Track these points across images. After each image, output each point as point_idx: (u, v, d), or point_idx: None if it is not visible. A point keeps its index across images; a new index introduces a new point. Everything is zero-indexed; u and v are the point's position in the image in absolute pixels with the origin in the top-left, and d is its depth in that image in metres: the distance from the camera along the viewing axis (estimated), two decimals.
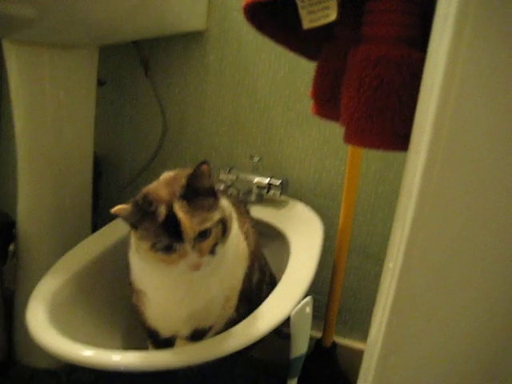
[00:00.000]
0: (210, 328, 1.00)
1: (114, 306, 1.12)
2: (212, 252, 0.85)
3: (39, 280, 1.03)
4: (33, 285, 1.01)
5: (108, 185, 1.70)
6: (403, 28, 0.68)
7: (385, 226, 1.46)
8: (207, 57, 1.50)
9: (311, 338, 1.09)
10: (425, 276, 0.53)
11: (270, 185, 1.38)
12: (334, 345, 1.47)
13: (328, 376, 1.47)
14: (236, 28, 1.45)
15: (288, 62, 1.42)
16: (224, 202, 0.90)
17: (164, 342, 1.01)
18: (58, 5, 1.03)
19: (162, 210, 0.82)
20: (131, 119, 1.64)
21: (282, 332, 1.03)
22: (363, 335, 1.57)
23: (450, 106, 0.49)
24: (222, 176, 1.39)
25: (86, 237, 1.20)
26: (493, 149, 0.49)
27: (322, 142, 1.45)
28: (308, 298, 1.04)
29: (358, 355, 1.26)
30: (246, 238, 1.03)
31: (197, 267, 0.82)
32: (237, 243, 0.98)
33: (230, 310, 1.02)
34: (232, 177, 1.39)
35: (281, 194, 1.39)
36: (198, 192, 0.84)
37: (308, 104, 1.41)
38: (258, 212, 1.31)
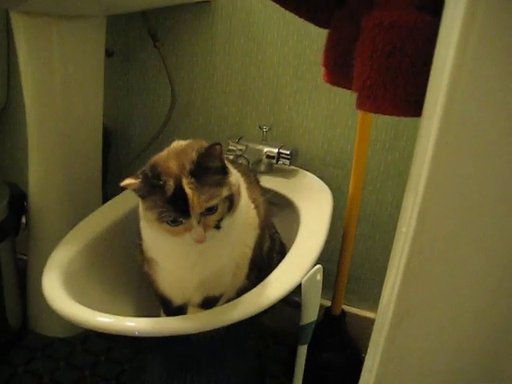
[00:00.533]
0: (221, 296, 1.02)
1: (127, 274, 1.13)
2: (217, 227, 0.85)
3: (51, 251, 1.04)
4: (45, 255, 1.03)
5: (117, 156, 1.70)
6: None
7: (394, 195, 1.46)
8: (215, 26, 1.49)
9: (320, 307, 1.10)
10: (437, 241, 0.54)
11: (279, 154, 1.38)
12: (343, 313, 1.48)
13: (337, 344, 1.49)
14: None
15: (297, 31, 1.41)
16: (233, 177, 0.89)
17: (176, 310, 1.03)
18: None
19: (171, 184, 0.82)
20: (140, 90, 1.64)
21: (291, 301, 1.05)
22: (372, 304, 1.58)
23: (465, 70, 0.49)
24: (232, 146, 1.39)
25: (96, 208, 1.21)
26: (508, 113, 0.49)
27: (332, 111, 1.44)
28: (318, 266, 1.05)
29: (367, 323, 1.27)
30: (256, 207, 1.03)
31: (201, 241, 0.83)
32: (246, 212, 0.98)
33: (240, 278, 1.03)
34: (241, 147, 1.39)
35: (290, 163, 1.39)
36: (207, 170, 0.84)
37: (317, 73, 1.40)
38: (268, 182, 1.31)
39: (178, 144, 0.92)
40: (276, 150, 1.38)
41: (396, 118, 1.34)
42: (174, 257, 0.94)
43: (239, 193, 0.91)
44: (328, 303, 1.47)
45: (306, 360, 1.16)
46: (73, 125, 1.39)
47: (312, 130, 1.48)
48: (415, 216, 0.52)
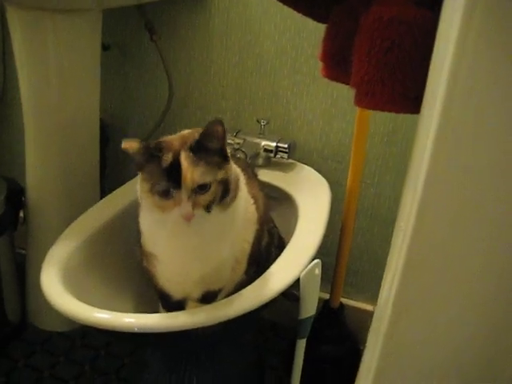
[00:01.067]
0: (220, 290, 1.02)
1: (126, 270, 1.13)
2: (207, 209, 0.85)
3: (50, 245, 1.04)
4: (44, 250, 1.03)
5: (115, 150, 1.70)
6: None
7: (392, 189, 1.46)
8: (212, 20, 1.48)
9: (319, 300, 1.10)
10: (436, 237, 0.54)
11: (277, 148, 1.38)
12: (342, 306, 1.49)
13: (335, 337, 1.49)
14: None
15: (294, 24, 1.40)
16: (233, 169, 0.90)
17: (175, 305, 1.03)
18: None
19: (169, 156, 0.83)
20: (137, 84, 1.63)
21: (290, 295, 1.05)
22: (370, 297, 1.59)
23: (465, 66, 0.48)
24: (229, 140, 1.38)
25: (94, 202, 1.21)
26: (507, 109, 0.49)
27: (330, 104, 1.44)
28: (317, 260, 1.05)
29: (365, 316, 1.28)
30: (255, 202, 1.03)
31: (188, 217, 0.82)
32: (246, 207, 0.98)
33: (239, 273, 1.03)
34: (239, 140, 1.38)
35: (288, 157, 1.39)
36: (207, 150, 0.85)
37: (315, 66, 1.40)
38: (266, 175, 1.31)
39: (185, 131, 0.92)
40: (274, 144, 1.38)
41: None
42: (173, 251, 0.94)
43: (237, 186, 0.91)
44: (327, 296, 1.47)
45: (305, 352, 1.16)
46: (69, 118, 1.38)
47: (310, 123, 1.48)
48: (414, 212, 0.52)
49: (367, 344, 0.72)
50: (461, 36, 0.48)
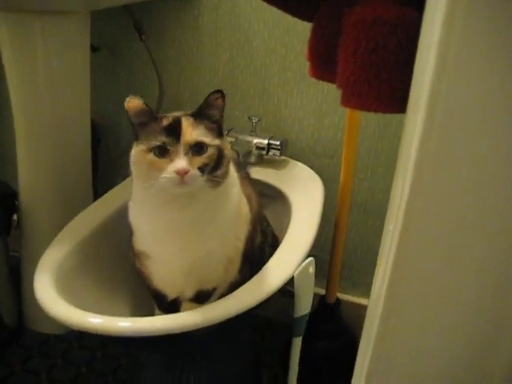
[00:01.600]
0: (214, 290, 1.02)
1: (121, 273, 1.13)
2: (201, 170, 0.85)
3: (43, 248, 1.03)
4: (37, 253, 1.02)
5: (107, 152, 1.70)
6: None
7: (385, 182, 1.46)
8: (201, 18, 1.48)
9: (315, 295, 1.11)
10: (425, 238, 0.54)
11: (269, 145, 1.38)
12: (338, 301, 1.49)
13: (332, 332, 1.50)
14: None
15: (283, 21, 1.40)
16: (228, 148, 0.92)
17: (170, 305, 1.03)
18: None
19: (169, 118, 0.87)
20: (127, 84, 1.63)
21: (286, 291, 1.05)
22: (366, 291, 1.59)
23: (449, 65, 0.48)
24: None
25: (87, 204, 1.20)
26: (493, 107, 0.49)
27: (321, 101, 1.44)
28: (310, 258, 1.05)
29: (362, 311, 1.27)
30: (249, 202, 1.04)
31: (182, 171, 0.82)
32: (239, 205, 0.99)
33: (233, 272, 1.03)
34: (231, 139, 1.38)
35: (280, 154, 1.39)
36: (207, 117, 0.88)
37: (305, 63, 1.38)
38: (258, 173, 1.31)
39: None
40: (266, 141, 1.38)
41: None
42: (160, 239, 0.94)
43: (229, 159, 0.92)
44: (322, 291, 1.48)
45: (302, 348, 1.16)
46: (60, 121, 1.38)
47: (301, 119, 1.48)
48: (401, 214, 0.52)
49: (361, 342, 0.72)
50: (443, 36, 0.48)
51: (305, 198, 1.27)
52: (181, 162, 0.82)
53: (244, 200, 1.02)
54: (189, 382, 1.12)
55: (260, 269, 1.01)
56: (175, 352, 1.06)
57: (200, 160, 0.85)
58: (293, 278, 1.01)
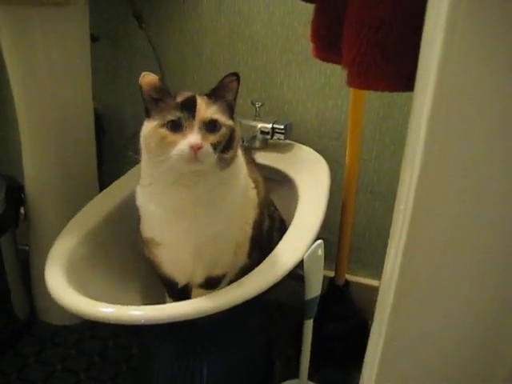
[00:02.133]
0: (224, 275, 1.02)
1: (131, 262, 1.13)
2: (214, 148, 0.85)
3: (52, 240, 1.04)
4: (46, 245, 1.03)
5: (111, 142, 1.69)
6: None
7: (391, 164, 1.45)
8: (201, 3, 1.46)
9: (324, 278, 1.11)
10: (436, 217, 0.53)
11: (273, 129, 1.37)
12: (347, 283, 1.49)
13: (342, 314, 1.50)
14: None
15: (283, 4, 1.39)
16: (238, 132, 0.91)
17: (181, 292, 1.03)
18: None
19: (184, 95, 0.87)
20: (129, 73, 1.62)
21: (295, 275, 1.05)
22: (375, 272, 1.59)
23: (457, 40, 0.48)
24: None
25: (94, 195, 1.20)
26: (501, 84, 0.48)
27: (324, 82, 1.43)
28: (319, 241, 1.05)
29: (371, 292, 1.28)
30: (256, 186, 1.03)
31: (196, 146, 0.82)
32: (246, 189, 0.99)
33: (242, 257, 1.03)
34: None
35: (285, 137, 1.38)
36: (222, 98, 0.89)
37: (306, 45, 1.38)
38: (264, 158, 1.31)
39: None
40: (270, 126, 1.37)
41: None
42: (168, 220, 0.93)
43: (239, 141, 0.92)
44: (332, 274, 1.48)
45: (313, 330, 1.17)
46: (63, 112, 1.38)
47: (305, 102, 1.47)
48: (412, 193, 0.52)
49: (373, 325, 0.72)
50: (451, 12, 0.48)
51: (311, 181, 1.27)
52: (195, 137, 0.83)
53: (251, 184, 1.02)
54: (201, 367, 1.12)
55: (268, 254, 1.01)
56: (187, 339, 1.07)
57: (213, 138, 0.85)
58: (302, 260, 1.01)
